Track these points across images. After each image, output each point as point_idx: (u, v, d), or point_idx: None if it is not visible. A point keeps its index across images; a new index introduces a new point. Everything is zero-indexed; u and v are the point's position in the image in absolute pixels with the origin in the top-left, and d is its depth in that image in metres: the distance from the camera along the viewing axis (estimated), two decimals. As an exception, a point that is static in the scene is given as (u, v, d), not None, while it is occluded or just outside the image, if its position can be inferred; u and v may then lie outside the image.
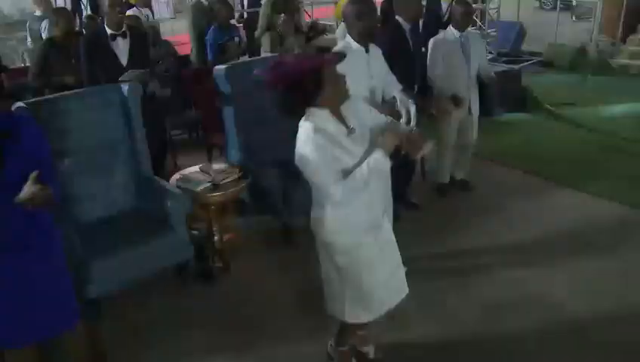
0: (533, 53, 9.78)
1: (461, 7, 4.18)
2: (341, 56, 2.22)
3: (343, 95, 2.23)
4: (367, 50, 3.19)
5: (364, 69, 3.17)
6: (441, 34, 4.31)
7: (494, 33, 9.23)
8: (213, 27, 5.46)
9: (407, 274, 3.15)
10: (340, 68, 2.89)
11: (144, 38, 4.26)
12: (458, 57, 4.21)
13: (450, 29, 4.24)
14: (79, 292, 2.88)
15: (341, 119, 2.22)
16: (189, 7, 6.79)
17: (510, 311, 3.18)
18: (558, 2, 11.06)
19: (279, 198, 3.81)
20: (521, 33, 9.85)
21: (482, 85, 4.51)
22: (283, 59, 2.26)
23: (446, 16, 6.33)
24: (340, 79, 2.20)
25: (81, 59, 4.04)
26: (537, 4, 17.05)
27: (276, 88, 2.19)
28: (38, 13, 6.33)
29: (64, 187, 3.26)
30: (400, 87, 3.38)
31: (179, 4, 19.40)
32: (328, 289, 2.47)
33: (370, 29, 3.14)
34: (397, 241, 2.50)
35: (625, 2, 9.48)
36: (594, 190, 4.59)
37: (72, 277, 2.79)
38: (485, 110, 4.74)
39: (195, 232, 3.65)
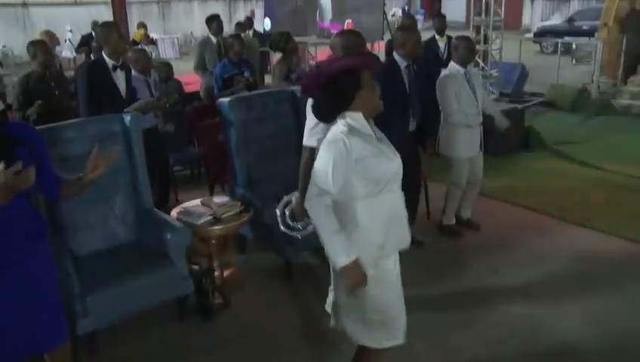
0: (535, 94, 9.86)
1: (465, 42, 4.20)
2: (378, 62, 2.22)
3: (376, 103, 2.21)
4: None
5: None
6: (446, 71, 4.29)
7: (497, 74, 9.31)
8: (223, 61, 5.50)
9: (411, 311, 3.05)
10: None
11: (130, 71, 4.23)
12: (467, 92, 4.20)
13: (454, 65, 4.24)
14: (75, 324, 2.82)
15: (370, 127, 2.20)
16: (196, 44, 6.92)
17: (517, 348, 3.08)
18: (559, 45, 11.23)
19: (281, 233, 3.73)
20: (523, 74, 9.96)
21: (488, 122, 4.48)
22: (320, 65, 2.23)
23: (445, 54, 6.42)
24: (376, 86, 2.18)
25: (80, 89, 3.94)
26: (538, 47, 17.35)
27: (313, 90, 2.16)
28: None
29: (62, 217, 3.24)
30: None
31: (185, 46, 19.86)
32: (347, 314, 2.36)
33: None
34: (402, 278, 2.43)
35: (624, 45, 9.62)
36: (601, 226, 4.53)
37: (68, 309, 2.75)
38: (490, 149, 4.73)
39: (195, 267, 3.57)
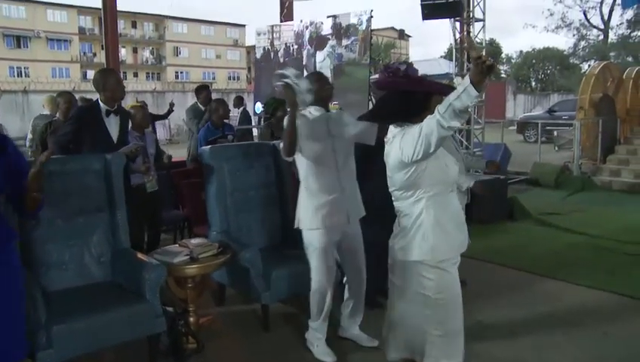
0: (518, 173, 10.07)
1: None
2: (450, 88, 2.39)
3: None
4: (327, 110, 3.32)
5: (324, 126, 3.25)
6: None
7: (480, 153, 9.52)
8: (207, 125, 5.60)
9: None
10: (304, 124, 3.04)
11: (128, 118, 4.27)
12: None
13: None
14: (35, 356, 2.69)
15: None
16: (187, 110, 7.13)
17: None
18: (539, 129, 11.67)
19: (260, 281, 3.67)
20: (506, 154, 10.19)
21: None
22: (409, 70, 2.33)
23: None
24: None
25: (64, 127, 3.91)
26: (521, 137, 17.92)
27: (387, 89, 2.34)
28: (45, 112, 6.46)
29: (35, 252, 3.19)
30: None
31: (177, 135, 20.23)
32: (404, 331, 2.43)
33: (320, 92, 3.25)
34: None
35: (600, 127, 10.01)
36: (586, 282, 4.51)
37: (31, 339, 2.64)
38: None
39: (169, 309, 3.46)
